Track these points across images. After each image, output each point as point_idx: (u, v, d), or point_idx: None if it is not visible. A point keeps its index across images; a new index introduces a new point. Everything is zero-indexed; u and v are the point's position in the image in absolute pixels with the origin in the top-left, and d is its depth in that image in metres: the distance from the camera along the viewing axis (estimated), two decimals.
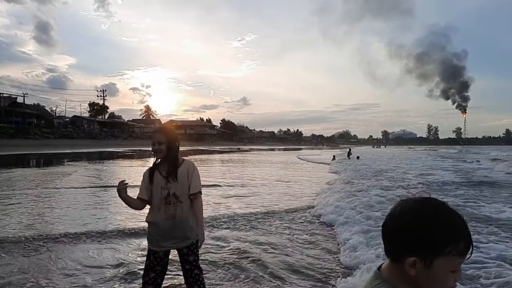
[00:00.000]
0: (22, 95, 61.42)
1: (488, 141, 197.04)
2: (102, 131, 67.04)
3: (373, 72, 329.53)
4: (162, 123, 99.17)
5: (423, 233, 0.87)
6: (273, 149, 63.75)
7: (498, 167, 19.49)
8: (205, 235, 2.64)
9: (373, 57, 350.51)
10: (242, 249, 4.54)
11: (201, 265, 2.67)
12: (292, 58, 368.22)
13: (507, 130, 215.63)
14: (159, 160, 2.54)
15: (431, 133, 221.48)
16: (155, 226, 2.53)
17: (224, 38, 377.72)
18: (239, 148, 60.40)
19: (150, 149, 2.58)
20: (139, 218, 6.46)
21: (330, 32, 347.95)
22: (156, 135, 2.52)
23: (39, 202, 7.89)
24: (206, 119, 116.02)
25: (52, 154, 29.44)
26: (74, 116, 71.36)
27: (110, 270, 3.91)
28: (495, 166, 20.42)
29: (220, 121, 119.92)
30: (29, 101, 64.97)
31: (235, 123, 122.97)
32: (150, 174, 2.55)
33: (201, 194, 2.60)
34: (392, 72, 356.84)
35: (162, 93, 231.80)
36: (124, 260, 4.20)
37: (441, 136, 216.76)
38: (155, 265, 2.53)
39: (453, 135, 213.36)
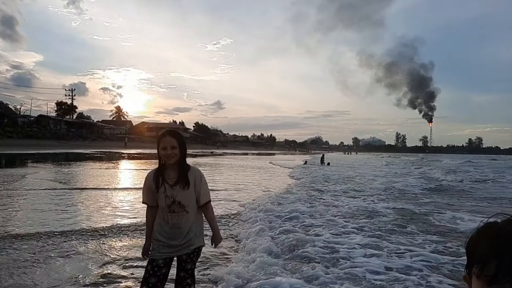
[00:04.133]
0: None
1: (452, 149, 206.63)
2: (69, 131, 64.75)
3: (344, 81, 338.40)
4: (134, 124, 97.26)
5: (468, 246, 0.76)
6: (246, 154, 63.88)
7: (436, 173, 21.77)
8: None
9: (345, 66, 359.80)
10: None
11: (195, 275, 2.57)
12: (266, 64, 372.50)
13: (470, 140, 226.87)
14: (164, 164, 2.38)
15: (399, 141, 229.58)
16: (158, 233, 2.41)
17: (199, 41, 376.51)
18: (212, 152, 60.08)
19: (161, 152, 2.35)
20: (96, 221, 6.44)
21: (303, 41, 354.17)
22: (168, 138, 2.34)
23: None
24: (179, 122, 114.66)
25: (15, 154, 28.23)
26: (40, 115, 68.45)
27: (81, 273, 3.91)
28: (435, 173, 22.64)
29: (194, 124, 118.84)
30: None
31: (209, 127, 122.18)
32: (157, 179, 2.38)
33: (210, 201, 2.51)
34: (362, 81, 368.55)
35: (134, 94, 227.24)
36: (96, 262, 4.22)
37: (408, 144, 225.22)
38: (151, 275, 2.35)
39: (420, 143, 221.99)
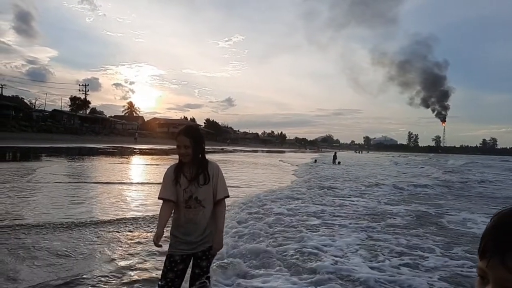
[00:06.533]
0: (0, 86, 59.81)
1: (465, 150, 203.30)
2: (83, 126, 65.76)
3: (356, 78, 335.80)
4: (145, 120, 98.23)
5: None
6: (256, 151, 63.95)
7: (436, 173, 22.03)
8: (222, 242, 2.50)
9: (357, 64, 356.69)
10: None
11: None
12: (277, 61, 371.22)
13: (484, 140, 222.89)
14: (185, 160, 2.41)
15: (412, 140, 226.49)
16: (175, 228, 2.44)
17: (211, 38, 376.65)
18: (222, 149, 60.26)
19: (175, 150, 2.43)
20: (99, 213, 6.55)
21: (315, 37, 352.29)
22: (182, 137, 2.37)
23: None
24: (190, 118, 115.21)
25: (29, 148, 28.84)
26: (54, 110, 69.60)
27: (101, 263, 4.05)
28: (434, 172, 22.91)
29: (204, 121, 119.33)
30: (7, 92, 63.33)
31: (220, 124, 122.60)
32: (176, 174, 2.41)
33: (229, 197, 2.50)
34: (374, 79, 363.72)
35: (146, 90, 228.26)
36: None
37: (421, 144, 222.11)
38: (168, 270, 2.39)
39: (433, 143, 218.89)
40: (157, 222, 2.58)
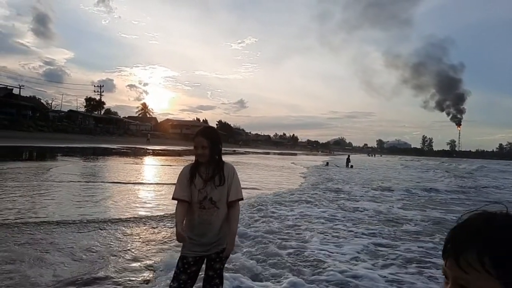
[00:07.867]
0: (18, 86, 61.09)
1: (481, 155, 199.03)
2: (97, 126, 66.79)
3: (369, 81, 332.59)
4: (158, 121, 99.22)
5: None
6: (268, 153, 63.95)
7: (445, 177, 22.20)
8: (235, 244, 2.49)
9: (370, 66, 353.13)
10: None
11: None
12: (290, 63, 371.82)
13: (500, 145, 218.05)
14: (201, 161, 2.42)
15: (426, 144, 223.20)
16: (189, 229, 2.42)
17: (223, 40, 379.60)
18: (234, 151, 60.38)
19: (193, 150, 2.44)
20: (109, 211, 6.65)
21: (328, 39, 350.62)
22: (199, 138, 2.37)
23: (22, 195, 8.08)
24: (203, 120, 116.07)
25: (46, 147, 29.42)
26: (70, 110, 70.98)
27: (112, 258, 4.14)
28: (446, 176, 22.87)
29: (217, 122, 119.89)
30: (25, 93, 64.61)
31: (232, 125, 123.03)
32: (191, 174, 2.41)
33: (242, 200, 2.49)
34: (388, 81, 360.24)
35: (159, 92, 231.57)
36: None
37: (435, 148, 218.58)
38: (181, 272, 2.37)
39: (447, 147, 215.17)
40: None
